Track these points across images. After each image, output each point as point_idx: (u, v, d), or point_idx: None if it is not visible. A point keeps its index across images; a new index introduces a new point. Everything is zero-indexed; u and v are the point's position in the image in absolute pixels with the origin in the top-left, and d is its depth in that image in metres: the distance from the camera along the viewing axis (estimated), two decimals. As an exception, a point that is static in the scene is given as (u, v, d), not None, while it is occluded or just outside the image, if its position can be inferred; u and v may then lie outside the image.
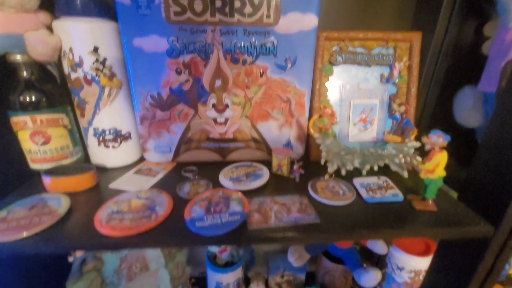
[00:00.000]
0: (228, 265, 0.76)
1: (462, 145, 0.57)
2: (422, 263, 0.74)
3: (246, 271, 0.87)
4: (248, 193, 0.48)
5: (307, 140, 0.61)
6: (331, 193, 0.48)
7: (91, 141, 0.54)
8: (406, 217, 0.43)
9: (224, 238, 0.39)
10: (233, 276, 0.76)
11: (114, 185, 0.51)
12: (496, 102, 0.45)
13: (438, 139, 0.41)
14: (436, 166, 0.43)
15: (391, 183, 0.51)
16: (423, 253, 0.77)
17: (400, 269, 0.78)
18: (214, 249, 0.75)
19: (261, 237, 0.40)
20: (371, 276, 0.66)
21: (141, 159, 0.61)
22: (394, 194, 0.48)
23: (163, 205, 0.44)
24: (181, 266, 0.80)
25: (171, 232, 0.40)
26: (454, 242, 0.50)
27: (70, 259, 0.65)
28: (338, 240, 0.39)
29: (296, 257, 0.77)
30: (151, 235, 0.39)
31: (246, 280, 0.84)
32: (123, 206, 0.44)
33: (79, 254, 0.64)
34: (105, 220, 0.40)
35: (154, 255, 0.77)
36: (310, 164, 0.60)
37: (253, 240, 0.40)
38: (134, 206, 0.44)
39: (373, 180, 0.53)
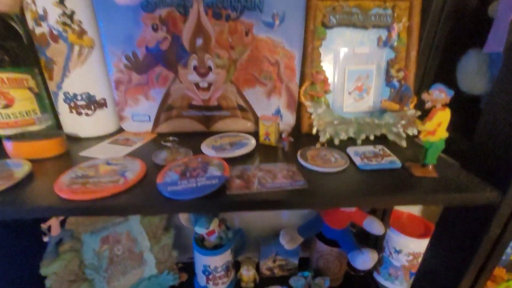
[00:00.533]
0: (216, 248, 0.72)
1: (465, 115, 0.53)
2: (421, 246, 0.70)
3: (237, 256, 0.83)
4: (232, 161, 0.44)
5: (298, 110, 0.57)
6: (322, 161, 0.44)
7: (62, 108, 0.50)
8: (404, 184, 0.39)
9: (199, 204, 0.35)
10: (221, 259, 0.72)
11: (85, 153, 0.47)
12: (503, 59, 0.41)
13: (440, 94, 0.37)
14: (438, 126, 0.38)
15: (388, 151, 0.47)
16: (422, 235, 0.73)
17: (398, 252, 0.74)
18: (201, 231, 0.71)
19: (241, 202, 0.35)
20: (366, 257, 0.62)
21: (120, 131, 0.57)
22: (391, 161, 0.44)
23: (135, 171, 0.40)
24: (167, 249, 0.76)
25: (141, 197, 0.35)
26: (455, 214, 0.46)
27: (45, 238, 0.60)
28: (329, 206, 0.34)
29: (288, 240, 0.73)
30: (117, 200, 0.34)
31: (237, 266, 0.80)
32: (89, 171, 0.39)
33: (54, 233, 0.60)
34: (66, 184, 0.36)
35: (138, 237, 0.73)
36: (302, 136, 0.56)
37: (233, 206, 0.36)
38: (102, 171, 0.39)
39: (368, 148, 0.48)
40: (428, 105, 0.38)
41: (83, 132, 0.52)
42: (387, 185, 0.39)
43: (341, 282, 0.81)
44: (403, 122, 0.51)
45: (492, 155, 0.40)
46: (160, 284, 0.76)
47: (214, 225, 0.72)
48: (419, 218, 0.80)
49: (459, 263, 0.47)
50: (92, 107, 0.51)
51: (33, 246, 0.61)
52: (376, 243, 0.80)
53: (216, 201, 0.35)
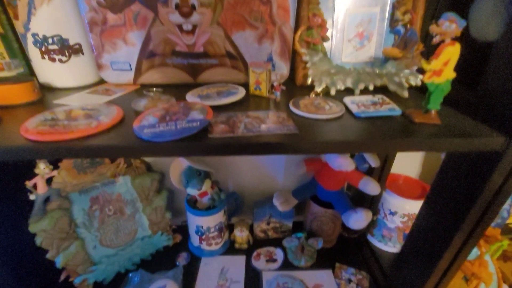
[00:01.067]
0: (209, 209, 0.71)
1: (470, 66, 0.48)
2: (417, 207, 0.68)
3: (230, 219, 0.83)
4: (218, 110, 0.40)
5: (292, 59, 0.52)
6: (315, 108, 0.41)
7: (33, 52, 0.46)
8: (404, 131, 0.36)
9: (178, 147, 0.32)
10: (213, 220, 0.71)
11: (60, 101, 0.43)
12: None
13: (450, 25, 0.32)
14: (445, 65, 0.34)
15: (388, 100, 0.43)
16: (418, 197, 0.71)
17: (393, 213, 0.73)
18: (193, 192, 0.70)
19: (224, 146, 0.32)
20: (360, 216, 0.60)
21: (100, 83, 0.53)
22: (390, 108, 0.40)
23: (110, 115, 0.36)
24: (159, 211, 0.76)
25: (115, 140, 0.32)
26: (455, 167, 0.44)
27: (32, 196, 0.59)
28: (321, 151, 0.31)
29: (282, 201, 0.72)
30: (88, 142, 0.32)
31: (231, 229, 0.80)
32: (60, 114, 0.36)
33: (40, 191, 0.59)
34: (33, 126, 0.33)
35: (129, 199, 0.72)
36: (296, 89, 0.52)
37: (214, 150, 0.33)
38: (74, 115, 0.36)
39: (367, 98, 0.45)
40: (436, 39, 0.34)
41: (59, 82, 0.48)
42: (385, 132, 0.36)
43: (334, 244, 0.81)
44: (406, 71, 0.46)
45: (500, 103, 0.37)
46: (153, 245, 0.76)
47: (206, 186, 0.70)
48: (416, 180, 0.78)
49: (453, 219, 0.46)
50: (66, 53, 0.46)
51: (20, 204, 0.60)
52: (371, 206, 0.79)
53: (197, 144, 0.32)
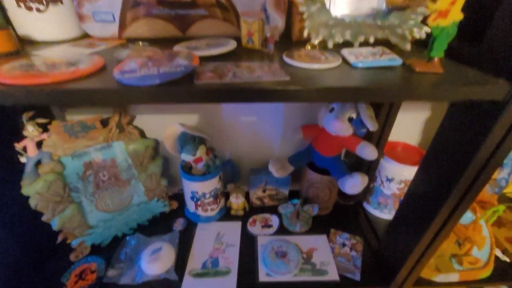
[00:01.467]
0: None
1: (473, 21, 0.44)
2: (414, 173, 0.68)
3: (226, 187, 0.82)
4: (206, 61, 0.38)
5: (288, 11, 0.48)
6: (310, 59, 0.38)
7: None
8: (404, 80, 0.34)
9: (160, 92, 0.30)
10: (208, 185, 0.71)
11: (40, 52, 0.41)
12: None
13: (461, -45, 0.29)
14: (452, 4, 0.31)
15: (388, 50, 0.41)
16: (416, 163, 0.70)
17: (390, 180, 0.72)
18: (187, 158, 0.69)
19: (211, 92, 0.31)
20: (356, 180, 0.60)
21: (84, 37, 0.50)
22: (390, 58, 0.38)
23: (90, 63, 0.34)
24: (155, 178, 0.75)
25: (93, 85, 0.30)
26: (457, 120, 0.42)
27: (22, 159, 0.58)
28: (314, 99, 0.29)
29: (278, 167, 0.71)
30: (64, 86, 0.30)
31: (227, 197, 0.80)
32: (37, 61, 0.34)
33: (31, 153, 0.58)
34: (6, 70, 0.31)
35: (123, 164, 0.71)
36: (292, 45, 0.49)
37: (200, 96, 0.31)
38: (52, 62, 0.34)
39: (366, 49, 0.42)
40: (443, -26, 0.31)
41: (38, 34, 0.45)
42: (384, 81, 0.33)
43: (330, 211, 0.81)
44: (410, 22, 0.43)
45: (505, 55, 0.34)
46: (150, 210, 0.77)
47: (201, 152, 0.69)
48: (415, 147, 0.77)
49: (448, 180, 0.45)
50: (44, 1, 0.43)
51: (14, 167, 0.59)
52: (368, 173, 0.78)
53: (181, 89, 0.30)
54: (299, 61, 0.37)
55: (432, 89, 0.32)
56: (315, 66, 0.36)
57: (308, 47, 0.43)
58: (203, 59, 0.37)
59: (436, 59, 0.35)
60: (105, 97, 0.30)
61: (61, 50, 0.42)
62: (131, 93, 0.30)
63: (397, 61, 0.37)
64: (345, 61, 0.39)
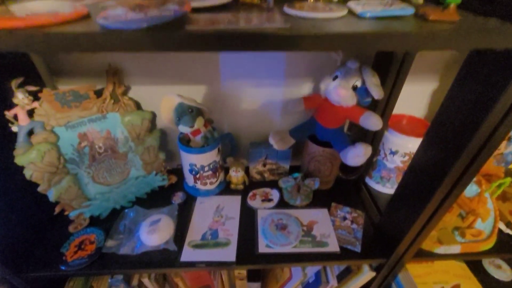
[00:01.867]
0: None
1: None
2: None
3: (226, 161, 0.81)
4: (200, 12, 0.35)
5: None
6: (312, 8, 0.35)
7: None
8: (419, 28, 0.31)
9: (148, 37, 0.27)
10: (207, 158, 0.69)
11: (21, 4, 0.38)
12: None
13: None
14: None
15: (399, 1, 0.37)
16: (421, 135, 0.68)
17: (394, 153, 0.70)
18: (185, 130, 0.67)
19: (204, 38, 0.28)
20: (359, 151, 0.57)
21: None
22: (402, 8, 0.34)
23: (74, 10, 0.31)
24: (152, 151, 0.74)
25: (74, 30, 0.28)
26: (467, 82, 0.39)
27: (14, 128, 0.56)
28: (315, 47, 0.27)
29: (278, 140, 0.69)
30: (42, 31, 0.27)
31: (227, 171, 0.79)
32: (14, 8, 0.31)
33: (22, 122, 0.56)
34: (-20, 14, 0.28)
35: (119, 137, 0.69)
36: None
37: (191, 42, 0.28)
38: (31, 8, 0.31)
39: (374, 0, 0.38)
40: None
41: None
42: (394, 30, 0.30)
43: (331, 186, 0.80)
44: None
45: None
46: (148, 184, 0.76)
47: (199, 124, 0.67)
48: (421, 120, 0.74)
49: (452, 150, 0.43)
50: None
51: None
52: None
53: (170, 34, 0.27)
54: (301, 11, 0.34)
55: (450, 35, 0.29)
56: (319, 15, 0.33)
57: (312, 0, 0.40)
58: (196, 11, 0.34)
59: (452, 5, 0.32)
60: (87, 42, 0.27)
61: (43, 3, 0.39)
62: (116, 38, 0.27)
63: (409, 10, 0.34)
64: (351, 12, 0.36)
